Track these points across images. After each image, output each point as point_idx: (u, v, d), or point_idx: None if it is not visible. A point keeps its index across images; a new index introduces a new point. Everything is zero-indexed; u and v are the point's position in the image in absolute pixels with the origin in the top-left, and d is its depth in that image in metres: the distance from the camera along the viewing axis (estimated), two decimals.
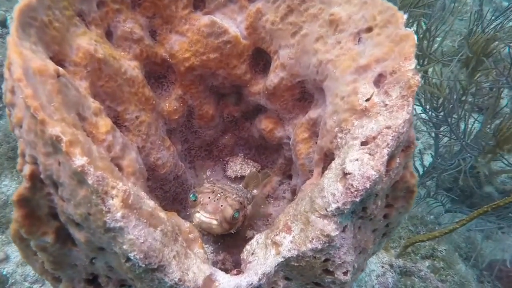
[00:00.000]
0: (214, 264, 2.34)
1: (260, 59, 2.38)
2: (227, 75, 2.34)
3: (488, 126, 4.17)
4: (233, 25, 2.23)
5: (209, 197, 2.07)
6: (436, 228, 3.99)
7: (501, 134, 3.46)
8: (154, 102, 2.15)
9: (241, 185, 2.60)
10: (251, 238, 2.54)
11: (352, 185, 1.49)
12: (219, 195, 2.10)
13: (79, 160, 1.14)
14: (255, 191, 2.55)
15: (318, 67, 1.96)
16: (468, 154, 3.63)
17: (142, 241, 1.29)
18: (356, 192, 1.48)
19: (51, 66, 1.37)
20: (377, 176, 1.46)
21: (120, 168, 1.64)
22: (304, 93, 2.25)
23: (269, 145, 2.65)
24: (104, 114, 1.66)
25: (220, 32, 2.18)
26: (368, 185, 1.47)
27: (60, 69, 1.44)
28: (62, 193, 1.29)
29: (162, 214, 1.55)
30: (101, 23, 1.92)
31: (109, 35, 2.00)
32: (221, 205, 2.04)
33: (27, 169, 1.33)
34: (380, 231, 2.05)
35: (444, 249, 3.78)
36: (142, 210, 1.36)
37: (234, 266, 2.36)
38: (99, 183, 1.18)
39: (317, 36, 1.97)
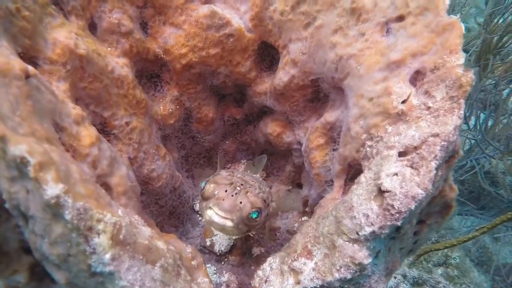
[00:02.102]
0: (218, 286, 2.07)
1: (266, 55, 2.11)
2: (230, 73, 2.05)
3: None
4: (236, 16, 1.95)
5: (226, 190, 1.64)
6: (448, 233, 3.76)
7: None
8: (146, 105, 1.87)
9: (258, 175, 2.24)
10: (258, 255, 2.29)
11: (392, 205, 1.23)
12: (238, 188, 1.66)
13: (53, 189, 0.86)
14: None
15: (337, 63, 1.69)
16: (483, 155, 3.40)
17: (138, 286, 1.01)
18: (398, 215, 1.22)
19: (17, 64, 1.08)
20: (424, 196, 1.20)
21: (108, 188, 1.36)
22: (317, 93, 1.98)
23: (276, 151, 2.38)
24: (87, 122, 1.37)
25: (221, 24, 1.90)
26: (413, 206, 1.20)
27: (30, 68, 1.15)
28: (34, 227, 1.00)
29: (161, 243, 1.27)
30: (83, 13, 1.62)
31: (92, 27, 1.71)
32: (240, 202, 1.61)
33: None
34: (407, 248, 1.79)
35: (458, 256, 3.56)
36: (137, 244, 1.09)
37: None
38: (80, 218, 0.90)
39: (335, 27, 1.70)
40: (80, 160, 1.26)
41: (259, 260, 2.23)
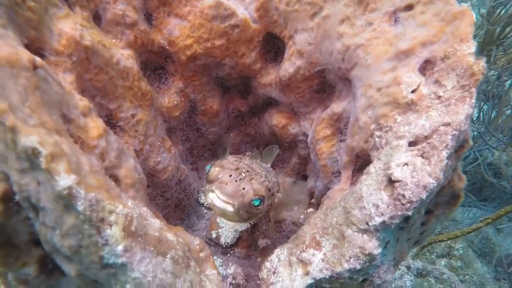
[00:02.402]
0: (224, 278, 2.07)
1: (271, 46, 2.09)
2: (235, 65, 2.04)
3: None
4: (241, 6, 1.93)
5: (230, 175, 1.61)
6: (451, 224, 3.76)
7: None
8: (151, 98, 1.85)
9: (269, 165, 2.20)
10: (264, 248, 2.29)
11: (403, 195, 1.22)
12: (243, 174, 1.63)
13: (65, 180, 0.85)
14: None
15: (344, 53, 1.68)
16: (486, 146, 3.39)
17: (151, 278, 1.01)
18: (409, 204, 1.21)
19: (25, 55, 1.07)
20: (435, 185, 1.19)
21: (116, 180, 1.35)
22: (323, 84, 1.97)
23: (281, 143, 2.37)
24: (94, 114, 1.36)
25: (226, 14, 1.88)
26: (424, 196, 1.20)
27: (38, 59, 1.14)
28: (44, 219, 0.99)
29: (170, 235, 1.26)
30: (87, 4, 1.60)
31: (97, 19, 1.69)
32: (243, 188, 1.58)
33: None
34: (414, 239, 1.79)
35: (461, 247, 3.57)
36: (148, 236, 1.08)
37: (246, 280, 2.09)
38: (92, 209, 0.89)
39: (342, 17, 1.68)
40: (88, 152, 1.25)
41: (265, 252, 2.23)
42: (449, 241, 3.66)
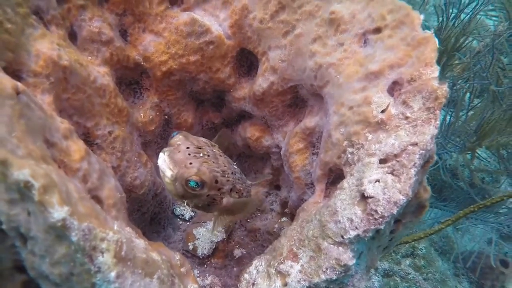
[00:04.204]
0: None
1: (244, 60, 2.14)
2: (209, 80, 2.08)
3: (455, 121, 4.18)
4: (216, 23, 1.97)
5: (188, 147, 1.55)
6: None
7: (481, 130, 3.45)
8: (128, 114, 1.86)
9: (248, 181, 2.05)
10: (240, 257, 2.34)
11: (376, 211, 1.31)
12: (201, 154, 1.56)
13: (59, 212, 0.87)
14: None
15: (317, 71, 1.76)
16: (445, 151, 3.60)
17: None
18: (381, 219, 1.31)
19: (8, 82, 1.07)
20: (405, 201, 1.29)
21: (99, 201, 1.36)
22: (296, 98, 2.05)
23: (254, 154, 2.43)
24: (75, 135, 1.36)
25: (201, 31, 1.92)
26: (395, 211, 1.29)
27: (19, 84, 1.13)
28: (33, 248, 1.00)
29: (155, 254, 1.29)
30: (63, 23, 1.60)
31: (72, 36, 1.68)
32: (190, 163, 1.50)
33: None
34: (383, 246, 1.90)
35: (424, 247, 3.76)
36: (136, 258, 1.11)
37: None
38: (85, 238, 0.91)
39: (315, 36, 1.76)
40: (71, 175, 1.26)
41: (241, 262, 2.28)
42: (413, 242, 3.83)
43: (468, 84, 4.24)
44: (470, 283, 4.15)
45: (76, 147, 1.32)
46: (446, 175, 3.73)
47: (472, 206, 2.83)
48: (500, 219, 3.82)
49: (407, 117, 1.39)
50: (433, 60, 1.38)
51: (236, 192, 1.78)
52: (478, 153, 3.88)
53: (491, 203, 2.74)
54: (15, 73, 1.33)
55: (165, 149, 1.55)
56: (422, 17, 1.46)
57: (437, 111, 1.31)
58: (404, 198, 1.28)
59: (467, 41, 4.26)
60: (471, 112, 4.12)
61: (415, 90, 1.39)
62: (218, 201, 1.68)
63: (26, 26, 1.40)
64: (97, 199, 1.36)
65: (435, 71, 1.36)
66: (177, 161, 1.50)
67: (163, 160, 1.51)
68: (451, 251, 4.21)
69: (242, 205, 1.82)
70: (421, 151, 1.30)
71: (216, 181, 1.60)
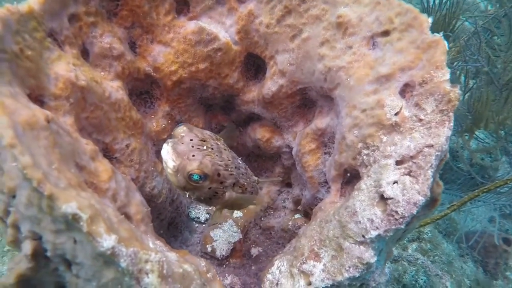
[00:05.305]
0: None
1: (251, 64, 2.17)
2: (218, 85, 2.11)
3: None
4: (222, 30, 1.99)
5: (191, 139, 1.53)
6: None
7: (475, 111, 3.51)
8: (142, 125, 1.89)
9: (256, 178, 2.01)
10: (257, 256, 2.40)
11: (396, 211, 1.37)
12: (204, 147, 1.54)
13: (108, 241, 0.91)
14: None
15: (326, 74, 1.80)
16: None
17: None
18: (401, 219, 1.37)
19: (40, 113, 1.10)
20: (424, 201, 1.35)
21: (128, 217, 1.40)
22: (305, 100, 2.08)
23: (263, 154, 2.47)
24: (100, 155, 1.40)
25: (209, 39, 1.94)
26: (414, 211, 1.35)
27: (48, 113, 1.17)
28: (79, 272, 1.05)
29: (188, 266, 1.34)
30: (75, 41, 1.62)
31: (84, 53, 1.70)
32: (193, 155, 1.48)
33: (28, 247, 1.06)
34: (397, 238, 1.97)
35: (429, 231, 3.85)
36: (174, 274, 1.16)
37: None
38: (133, 263, 0.96)
39: (322, 40, 1.80)
40: (102, 195, 1.30)
41: (258, 260, 2.34)
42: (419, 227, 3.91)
43: (460, 67, 4.28)
44: (474, 262, 4.27)
45: (103, 168, 1.35)
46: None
47: (476, 190, 2.90)
48: (501, 199, 3.91)
49: (420, 119, 1.44)
50: (443, 63, 1.42)
51: (240, 187, 1.76)
52: (475, 134, 3.95)
53: (495, 187, 2.81)
54: (37, 98, 1.35)
55: (169, 140, 1.54)
56: (430, 20, 1.50)
57: (451, 113, 1.36)
58: (423, 198, 1.34)
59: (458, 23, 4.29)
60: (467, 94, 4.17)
61: (427, 93, 1.43)
62: (220, 195, 1.67)
63: (43, 49, 1.42)
64: (127, 216, 1.40)
65: (446, 73, 1.40)
66: (180, 152, 1.48)
67: (166, 151, 1.50)
68: (455, 233, 4.30)
69: (245, 201, 1.83)
70: (437, 153, 1.35)
71: (219, 175, 1.58)
